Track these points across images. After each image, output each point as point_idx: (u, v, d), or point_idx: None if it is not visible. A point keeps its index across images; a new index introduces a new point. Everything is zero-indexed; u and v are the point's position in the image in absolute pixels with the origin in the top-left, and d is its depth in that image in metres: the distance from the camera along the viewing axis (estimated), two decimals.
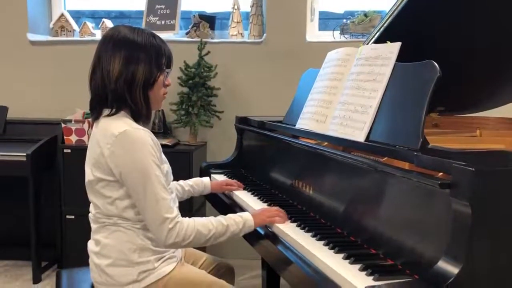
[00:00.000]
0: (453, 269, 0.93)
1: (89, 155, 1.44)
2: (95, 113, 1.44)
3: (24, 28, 3.13)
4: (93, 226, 1.47)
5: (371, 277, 1.05)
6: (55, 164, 2.80)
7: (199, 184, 1.84)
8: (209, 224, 1.39)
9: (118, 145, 1.34)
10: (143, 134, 1.35)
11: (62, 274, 1.66)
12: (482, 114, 1.98)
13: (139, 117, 1.42)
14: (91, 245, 1.48)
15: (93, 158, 1.40)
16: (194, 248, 1.76)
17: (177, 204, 1.49)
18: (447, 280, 0.92)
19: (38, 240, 2.73)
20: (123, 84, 1.38)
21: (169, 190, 1.40)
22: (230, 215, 1.46)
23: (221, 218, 1.43)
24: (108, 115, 1.40)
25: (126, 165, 1.34)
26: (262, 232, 1.50)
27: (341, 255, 1.18)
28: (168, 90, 1.51)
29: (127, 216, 1.40)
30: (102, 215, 1.42)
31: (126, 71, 1.38)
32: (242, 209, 1.71)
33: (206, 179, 1.88)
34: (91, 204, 1.47)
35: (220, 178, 2.10)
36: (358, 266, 1.11)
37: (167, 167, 1.47)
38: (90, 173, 1.42)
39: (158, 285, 1.41)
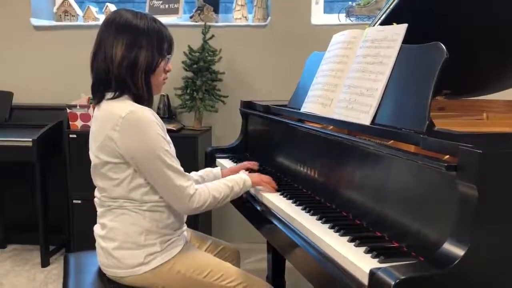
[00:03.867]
0: (459, 252, 0.93)
1: (93, 138, 1.44)
2: (97, 97, 1.44)
3: (28, 13, 3.12)
4: (99, 210, 1.48)
5: (376, 260, 1.05)
6: (61, 149, 2.82)
7: (208, 174, 1.76)
8: (219, 187, 1.50)
9: (127, 126, 1.35)
10: (148, 113, 1.37)
11: (70, 258, 1.68)
12: (489, 97, 1.96)
13: (141, 101, 1.43)
14: (97, 229, 1.49)
15: (98, 141, 1.41)
16: (200, 230, 1.77)
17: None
18: (453, 262, 0.92)
19: (46, 225, 2.76)
20: (126, 69, 1.38)
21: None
22: (231, 177, 1.59)
23: (225, 180, 1.55)
24: (111, 98, 1.40)
25: (138, 148, 1.35)
26: (267, 215, 1.51)
27: (346, 238, 1.18)
28: (173, 75, 1.50)
29: (133, 197, 1.41)
30: (108, 198, 1.43)
31: (128, 56, 1.38)
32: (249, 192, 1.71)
33: (216, 169, 1.80)
34: (96, 188, 1.48)
35: (225, 162, 2.11)
36: (363, 248, 1.11)
37: (172, 147, 1.47)
38: (94, 157, 1.42)
39: (164, 267, 1.43)
